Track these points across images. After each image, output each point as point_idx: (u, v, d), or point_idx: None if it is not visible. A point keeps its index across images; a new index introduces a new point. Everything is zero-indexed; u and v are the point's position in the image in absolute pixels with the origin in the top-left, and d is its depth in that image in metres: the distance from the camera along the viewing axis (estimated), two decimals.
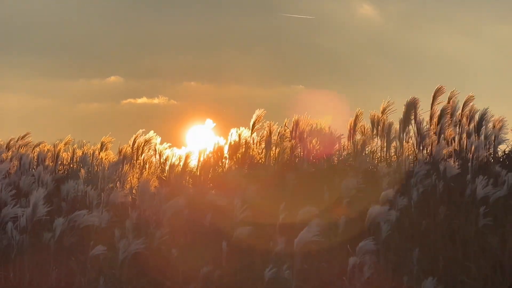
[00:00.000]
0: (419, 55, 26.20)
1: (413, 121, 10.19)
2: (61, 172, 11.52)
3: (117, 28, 26.72)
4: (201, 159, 10.33)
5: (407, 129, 10.04)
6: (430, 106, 10.30)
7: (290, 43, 26.28)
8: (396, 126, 10.16)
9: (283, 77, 26.74)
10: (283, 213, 8.32)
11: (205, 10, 26.47)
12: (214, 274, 8.24)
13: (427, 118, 10.26)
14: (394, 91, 25.27)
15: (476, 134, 10.20)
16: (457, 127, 10.29)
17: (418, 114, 10.05)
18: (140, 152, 10.67)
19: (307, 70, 26.39)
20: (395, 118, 10.39)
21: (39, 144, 11.97)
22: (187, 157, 10.23)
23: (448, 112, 9.99)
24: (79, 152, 11.66)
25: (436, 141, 9.82)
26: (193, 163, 10.33)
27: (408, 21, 26.47)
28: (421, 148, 9.80)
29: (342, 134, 10.24)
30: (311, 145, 10.10)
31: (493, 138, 10.27)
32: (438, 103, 10.10)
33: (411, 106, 10.05)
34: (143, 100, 24.12)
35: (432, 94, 10.10)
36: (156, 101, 23.85)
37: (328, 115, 10.45)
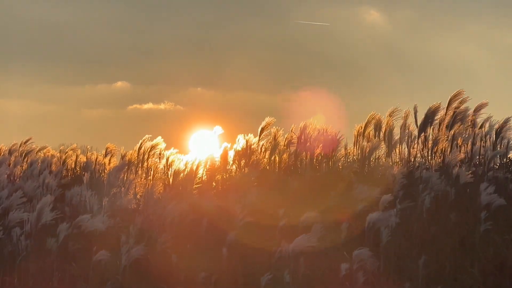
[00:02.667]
0: (426, 61, 26.13)
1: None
2: (66, 177, 11.51)
3: (124, 34, 26.76)
4: (208, 165, 10.29)
5: (422, 134, 9.92)
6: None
7: (296, 49, 26.26)
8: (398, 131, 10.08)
9: (289, 83, 26.70)
10: (284, 219, 8.28)
11: (212, 16, 26.50)
12: (215, 279, 8.22)
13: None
14: (402, 97, 25.20)
15: (489, 141, 10.12)
16: (468, 133, 10.20)
17: (434, 120, 9.95)
18: (146, 158, 10.64)
19: (314, 76, 26.36)
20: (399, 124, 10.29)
21: (43, 149, 11.95)
22: (198, 165, 10.19)
23: (460, 118, 9.89)
24: (83, 158, 11.65)
25: (447, 147, 9.73)
26: (200, 168, 10.30)
27: (415, 27, 26.42)
28: (432, 153, 9.71)
29: (342, 135, 10.20)
30: (315, 149, 10.05)
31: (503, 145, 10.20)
32: (451, 109, 10.00)
33: (432, 113, 9.93)
34: (149, 105, 24.11)
35: (448, 99, 9.97)
36: (162, 106, 23.83)
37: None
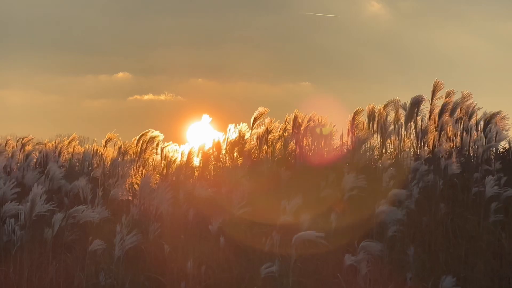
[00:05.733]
0: (427, 53, 26.03)
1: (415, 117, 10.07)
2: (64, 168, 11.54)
3: (126, 25, 26.77)
4: (199, 155, 10.33)
5: (408, 125, 9.95)
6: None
7: (298, 40, 26.21)
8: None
9: (290, 74, 26.68)
10: (284, 214, 8.27)
11: (214, 6, 26.48)
12: (211, 269, 8.28)
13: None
14: (402, 89, 25.14)
15: (476, 131, 10.11)
16: (459, 123, 10.20)
17: (420, 111, 9.97)
18: (143, 149, 10.66)
19: (314, 67, 26.33)
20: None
21: (41, 143, 12.01)
22: (189, 153, 10.25)
23: (448, 108, 9.89)
24: (80, 149, 11.71)
25: (436, 137, 9.74)
26: (194, 159, 10.35)
27: (416, 18, 26.31)
28: (421, 144, 9.71)
29: (335, 125, 10.21)
30: (308, 143, 10.06)
31: (494, 135, 10.18)
32: (437, 98, 10.00)
33: (415, 103, 9.96)
34: (149, 96, 24.12)
35: (431, 89, 9.99)
36: (162, 97, 23.85)
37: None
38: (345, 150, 10.05)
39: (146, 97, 24.16)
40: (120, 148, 10.78)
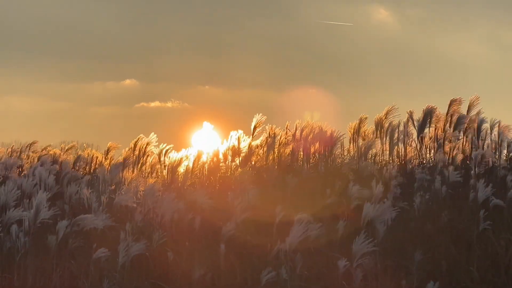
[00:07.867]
0: (435, 61, 26.10)
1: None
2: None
3: (133, 32, 26.80)
4: (199, 161, 10.34)
5: (423, 133, 10.01)
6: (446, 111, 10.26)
7: (305, 48, 26.29)
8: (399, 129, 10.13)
9: (297, 81, 26.73)
10: (280, 216, 8.30)
11: (221, 14, 26.53)
12: (213, 276, 8.27)
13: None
14: (410, 97, 25.20)
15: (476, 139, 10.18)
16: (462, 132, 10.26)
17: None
18: (141, 154, 10.63)
19: (321, 75, 26.38)
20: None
21: (46, 148, 12.03)
22: (194, 161, 10.26)
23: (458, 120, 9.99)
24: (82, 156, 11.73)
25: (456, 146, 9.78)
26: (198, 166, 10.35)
27: (424, 27, 26.40)
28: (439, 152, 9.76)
29: (344, 134, 10.23)
30: (311, 147, 10.08)
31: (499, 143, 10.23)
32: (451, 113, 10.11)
33: (428, 113, 10.07)
34: (156, 103, 24.12)
35: (448, 103, 10.06)
36: (169, 104, 23.84)
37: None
38: (348, 158, 10.10)
39: (152, 104, 24.20)
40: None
